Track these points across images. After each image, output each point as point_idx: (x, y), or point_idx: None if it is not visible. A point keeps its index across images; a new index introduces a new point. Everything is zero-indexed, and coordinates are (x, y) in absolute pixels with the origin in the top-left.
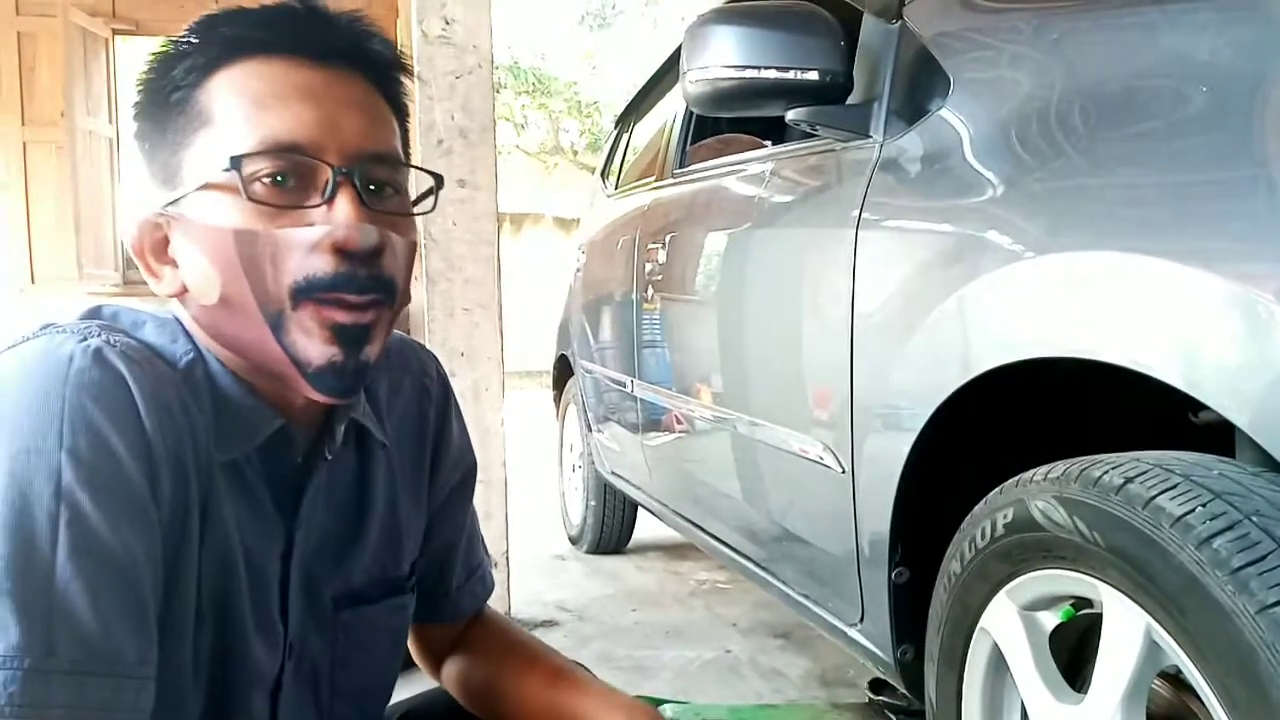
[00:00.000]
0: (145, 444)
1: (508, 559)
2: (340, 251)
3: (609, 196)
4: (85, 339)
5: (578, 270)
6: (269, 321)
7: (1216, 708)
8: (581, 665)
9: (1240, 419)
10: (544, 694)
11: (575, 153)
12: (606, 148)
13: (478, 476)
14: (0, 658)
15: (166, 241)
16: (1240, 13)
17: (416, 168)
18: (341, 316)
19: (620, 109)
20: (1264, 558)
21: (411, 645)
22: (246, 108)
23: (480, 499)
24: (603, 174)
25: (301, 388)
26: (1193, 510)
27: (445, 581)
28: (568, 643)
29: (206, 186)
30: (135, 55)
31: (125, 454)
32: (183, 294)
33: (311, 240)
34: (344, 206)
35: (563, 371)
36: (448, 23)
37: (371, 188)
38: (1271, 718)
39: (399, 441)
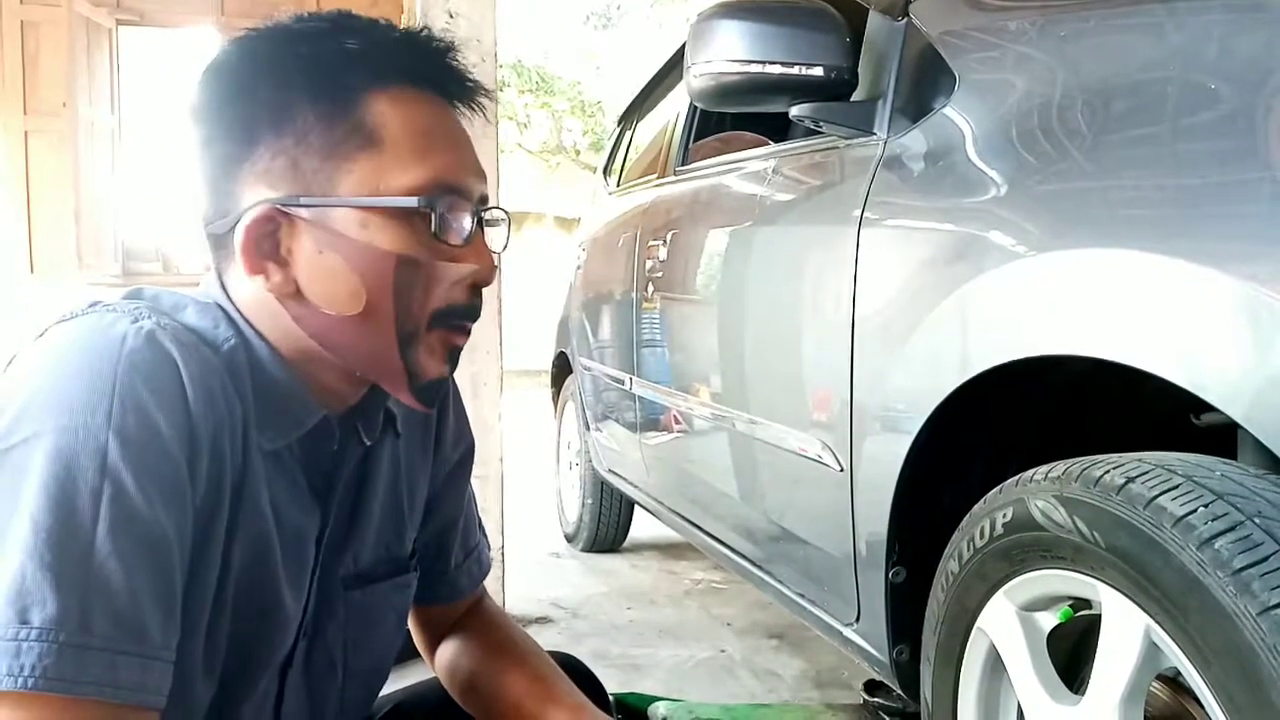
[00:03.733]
0: (189, 427)
1: (503, 555)
2: (473, 286)
3: (610, 194)
4: (137, 320)
5: (578, 267)
6: (400, 338)
7: (1216, 711)
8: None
9: (1244, 419)
10: (518, 696)
11: (578, 152)
12: (609, 145)
13: (474, 471)
14: (37, 630)
15: (276, 237)
16: (1247, 13)
17: (497, 208)
18: (460, 340)
19: (623, 109)
20: (1266, 559)
21: (411, 626)
22: (417, 143)
23: (477, 494)
24: (604, 171)
25: (401, 394)
26: (1195, 511)
27: (444, 560)
28: (562, 640)
29: (374, 209)
30: (139, 46)
31: (170, 436)
32: (293, 294)
33: (461, 275)
34: (483, 247)
35: (561, 369)
36: (452, 16)
37: None
38: None
39: (407, 421)
